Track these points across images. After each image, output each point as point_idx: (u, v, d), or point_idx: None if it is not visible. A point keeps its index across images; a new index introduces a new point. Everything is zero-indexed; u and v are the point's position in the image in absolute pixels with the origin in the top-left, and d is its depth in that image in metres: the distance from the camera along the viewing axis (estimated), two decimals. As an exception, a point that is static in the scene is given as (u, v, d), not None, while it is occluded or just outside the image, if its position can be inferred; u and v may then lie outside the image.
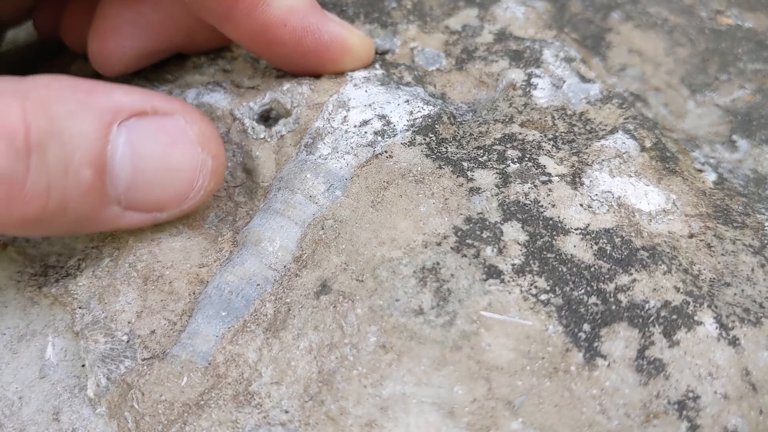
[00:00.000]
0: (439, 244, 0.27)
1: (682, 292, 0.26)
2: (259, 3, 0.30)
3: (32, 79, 0.24)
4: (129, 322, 0.29)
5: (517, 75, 0.34)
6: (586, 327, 0.25)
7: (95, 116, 0.24)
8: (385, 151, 0.30)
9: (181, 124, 0.26)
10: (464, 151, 0.31)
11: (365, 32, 0.37)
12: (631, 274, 0.26)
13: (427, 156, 0.30)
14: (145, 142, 0.25)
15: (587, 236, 0.27)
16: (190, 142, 0.26)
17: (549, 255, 0.27)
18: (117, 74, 0.35)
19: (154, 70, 0.36)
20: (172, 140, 0.26)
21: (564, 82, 0.34)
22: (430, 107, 0.32)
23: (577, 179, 0.29)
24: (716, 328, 0.25)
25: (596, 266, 0.26)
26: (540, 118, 0.32)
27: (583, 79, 0.34)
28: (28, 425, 0.28)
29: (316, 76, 0.34)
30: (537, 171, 0.29)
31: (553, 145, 0.31)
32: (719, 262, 0.28)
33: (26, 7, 0.38)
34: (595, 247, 0.27)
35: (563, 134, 0.32)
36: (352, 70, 0.34)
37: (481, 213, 0.28)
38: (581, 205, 0.28)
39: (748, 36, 0.40)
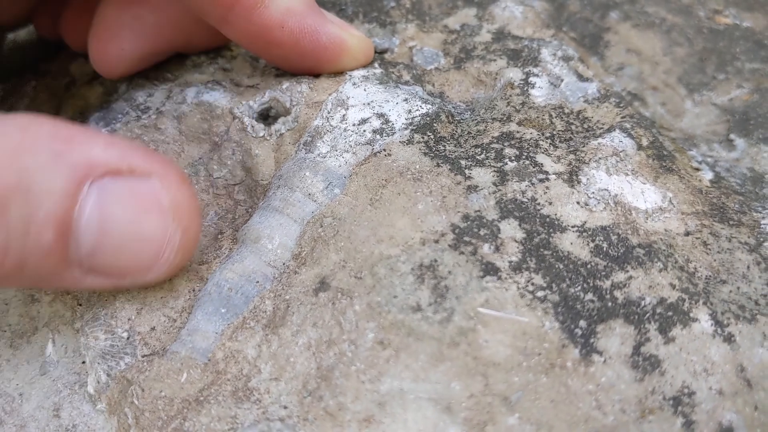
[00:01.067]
0: (436, 241, 0.27)
1: (677, 290, 0.26)
2: (256, 5, 0.30)
3: (11, 121, 0.23)
4: (129, 319, 0.29)
5: (515, 74, 0.34)
6: (582, 323, 0.25)
7: (68, 171, 0.23)
8: (384, 150, 0.30)
9: (155, 189, 0.24)
10: (462, 150, 0.31)
11: (364, 31, 0.38)
12: (628, 271, 0.26)
13: (425, 154, 0.30)
14: (115, 205, 0.24)
15: (584, 234, 0.28)
16: (162, 211, 0.24)
17: (546, 252, 0.27)
18: (119, 76, 0.35)
19: (155, 69, 0.37)
20: (143, 207, 0.24)
21: (562, 80, 0.34)
22: (429, 106, 0.32)
23: (574, 177, 0.29)
24: (711, 324, 0.25)
25: (593, 263, 0.27)
26: (537, 117, 0.32)
27: (581, 78, 0.34)
28: (29, 421, 0.28)
29: (315, 75, 0.34)
30: (534, 169, 0.29)
31: (550, 144, 0.31)
32: (715, 260, 0.28)
33: (27, 8, 0.38)
34: (592, 245, 0.27)
35: (561, 132, 0.32)
36: (351, 70, 0.34)
37: (479, 211, 0.28)
38: (578, 202, 0.28)
39: (746, 35, 0.40)
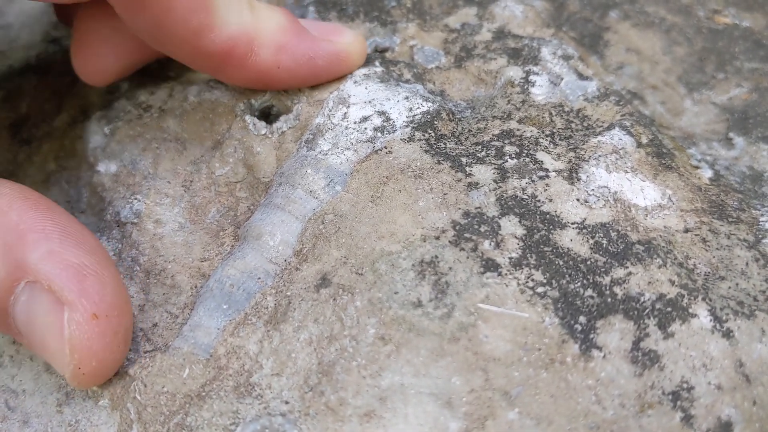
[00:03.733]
0: (437, 238, 0.27)
1: (677, 285, 0.26)
2: (248, 55, 0.30)
3: None
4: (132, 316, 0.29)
5: (515, 72, 0.34)
6: (582, 319, 0.25)
7: (8, 266, 0.25)
8: (385, 147, 0.30)
9: (62, 317, 0.24)
10: (463, 147, 0.31)
11: (365, 30, 0.38)
12: (627, 267, 0.27)
13: (425, 152, 0.30)
14: (37, 309, 0.25)
15: (584, 230, 0.28)
16: (62, 340, 0.25)
17: (546, 249, 0.27)
18: (106, 84, 0.34)
19: (157, 68, 0.37)
20: (50, 327, 0.25)
21: (562, 79, 0.34)
22: (429, 104, 0.32)
23: (574, 174, 0.29)
24: (710, 320, 0.26)
25: (592, 260, 0.27)
26: (538, 115, 0.33)
27: (581, 76, 0.35)
28: (32, 417, 0.28)
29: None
30: (534, 166, 0.30)
31: (550, 141, 0.31)
32: (714, 257, 0.28)
33: None
34: (592, 241, 0.27)
35: (560, 130, 0.32)
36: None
37: (479, 207, 0.28)
38: (578, 199, 0.29)
39: (745, 35, 0.40)
